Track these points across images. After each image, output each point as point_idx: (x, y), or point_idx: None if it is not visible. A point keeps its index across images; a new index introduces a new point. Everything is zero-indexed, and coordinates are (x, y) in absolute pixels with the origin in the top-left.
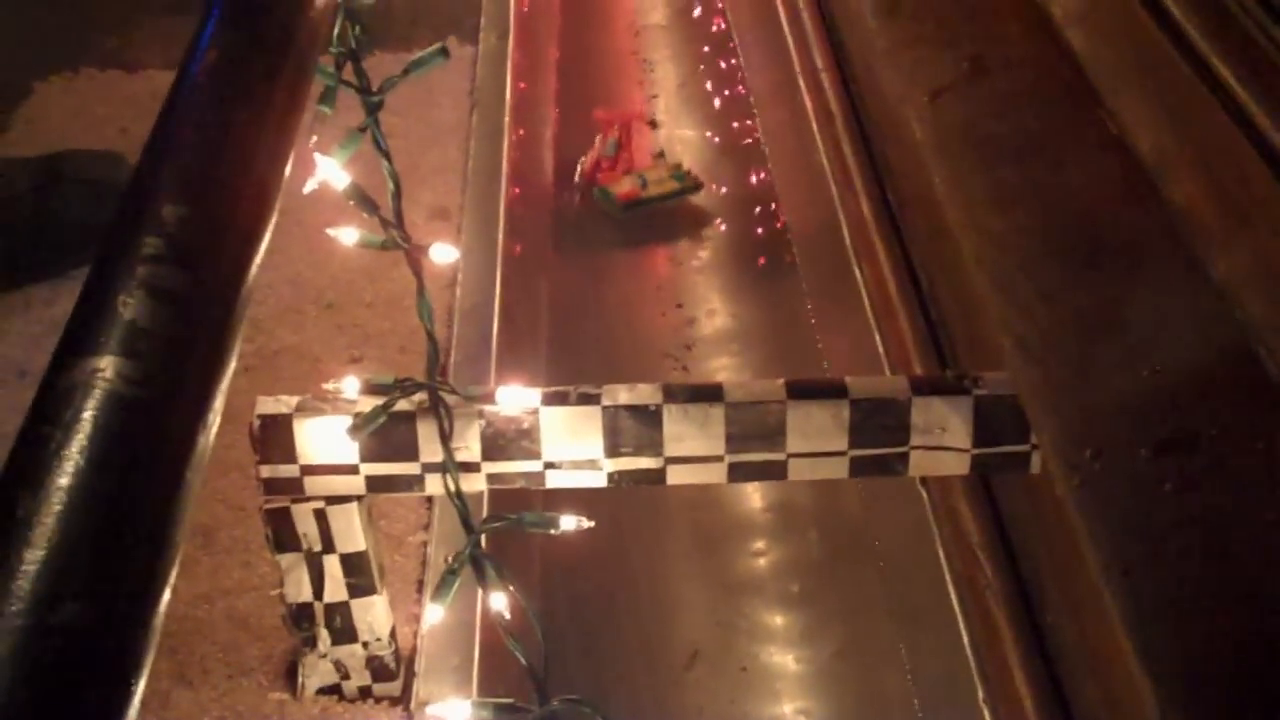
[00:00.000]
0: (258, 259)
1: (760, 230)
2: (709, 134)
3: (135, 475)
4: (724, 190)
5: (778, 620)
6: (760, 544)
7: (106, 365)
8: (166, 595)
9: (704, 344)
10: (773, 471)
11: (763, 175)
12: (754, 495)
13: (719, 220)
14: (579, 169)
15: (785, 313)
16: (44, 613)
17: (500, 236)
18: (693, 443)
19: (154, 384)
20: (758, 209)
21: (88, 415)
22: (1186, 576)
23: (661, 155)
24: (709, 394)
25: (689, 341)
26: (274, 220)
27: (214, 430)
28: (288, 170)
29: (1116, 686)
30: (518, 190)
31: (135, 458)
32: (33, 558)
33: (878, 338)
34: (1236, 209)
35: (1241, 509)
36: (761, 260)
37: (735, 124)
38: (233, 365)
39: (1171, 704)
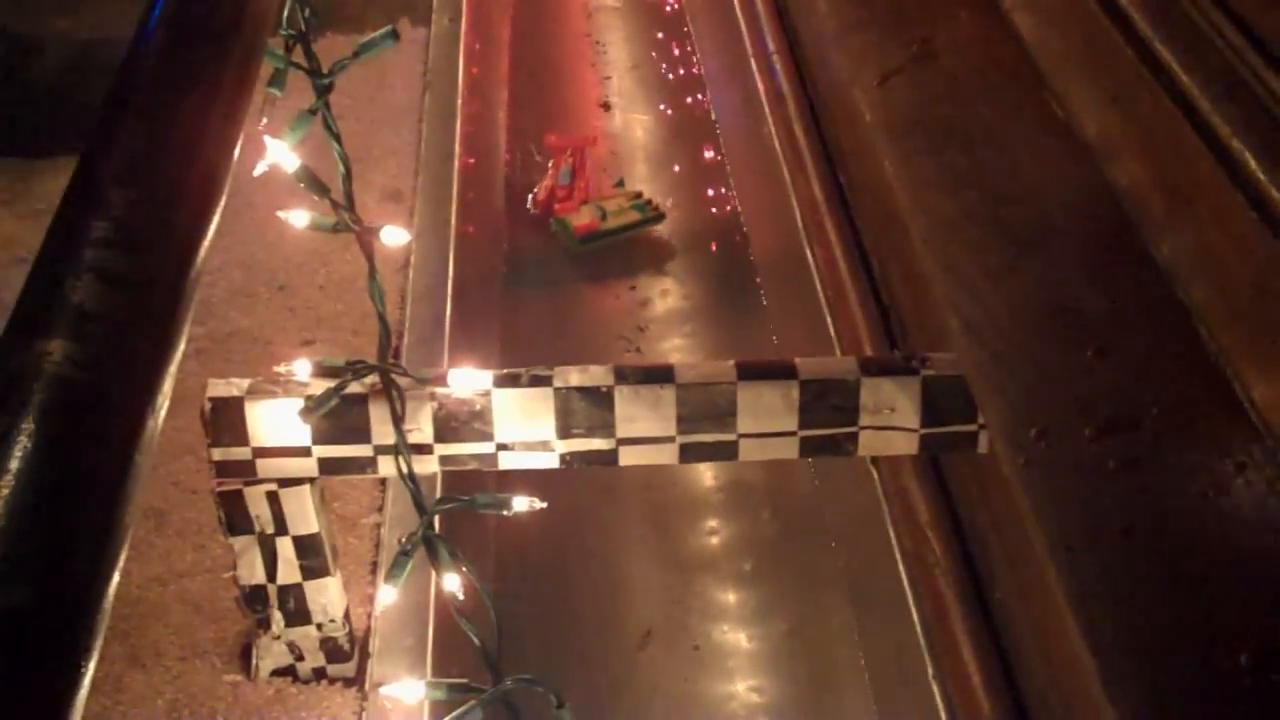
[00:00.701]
0: (206, 242)
1: (713, 211)
2: (661, 114)
3: (83, 458)
4: (677, 169)
5: (730, 599)
6: (713, 523)
7: (55, 349)
8: (115, 578)
9: (657, 325)
10: (724, 452)
11: (716, 156)
12: (707, 475)
13: (669, 200)
14: (532, 198)
15: (737, 294)
16: None
17: (453, 219)
18: (644, 424)
19: (102, 367)
20: (710, 191)
21: (35, 399)
22: (1128, 553)
23: (621, 184)
24: (660, 375)
25: (642, 323)
26: (223, 203)
27: (163, 413)
28: (236, 153)
29: (1061, 662)
30: (470, 160)
31: (83, 441)
32: None
33: (829, 319)
34: (1180, 192)
35: (1181, 487)
36: (714, 245)
37: (688, 103)
38: (181, 348)
39: (1113, 677)
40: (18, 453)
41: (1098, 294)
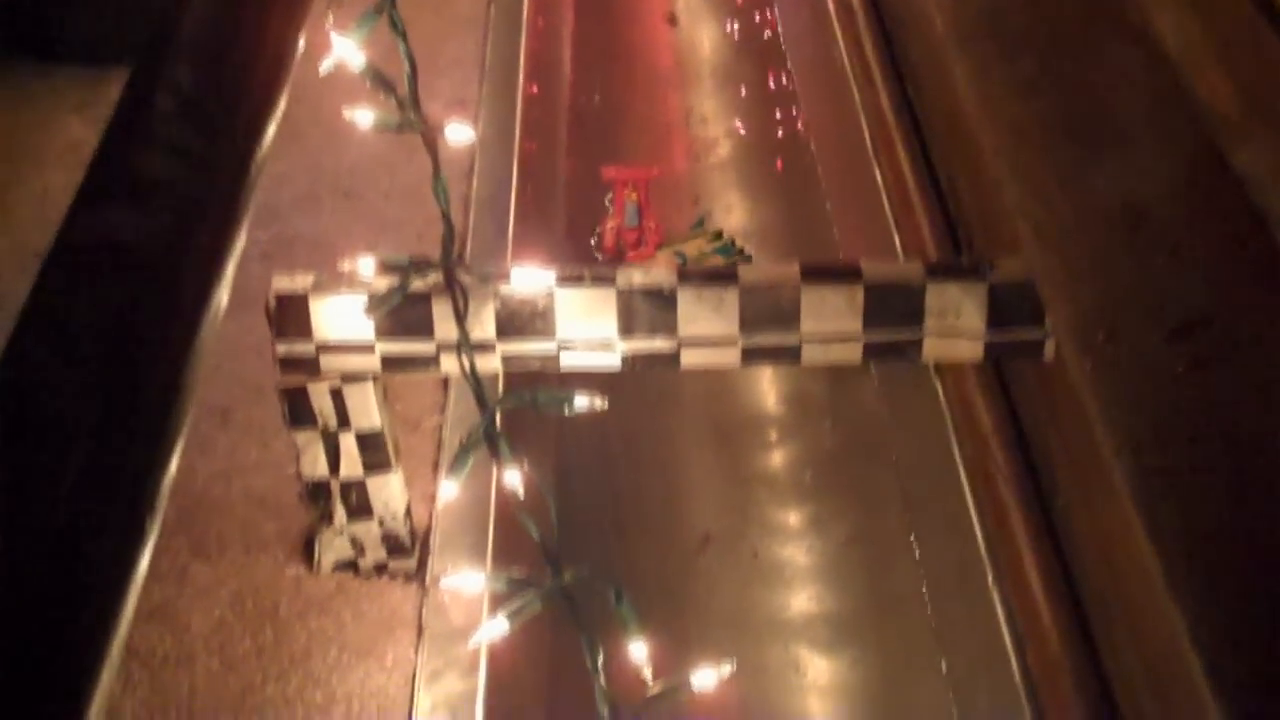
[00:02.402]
0: (273, 123)
1: (780, 131)
2: (729, 31)
3: (149, 326)
4: (743, 91)
5: (790, 508)
6: (774, 434)
7: (119, 220)
8: (181, 441)
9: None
10: (786, 355)
11: (783, 77)
12: (769, 386)
13: (737, 121)
14: (598, 240)
15: (803, 213)
16: (60, 454)
17: (517, 129)
18: (707, 325)
19: (168, 237)
20: (778, 111)
21: (100, 269)
22: (1196, 456)
23: (701, 224)
24: (723, 277)
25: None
26: (288, 85)
27: (227, 287)
28: (301, 40)
29: (1124, 567)
30: (535, 72)
31: (149, 308)
32: (49, 404)
33: (895, 234)
34: (1260, 98)
35: (1252, 390)
36: (780, 163)
37: (756, 20)
38: (246, 225)
39: (1177, 580)
40: (83, 319)
41: (1171, 199)
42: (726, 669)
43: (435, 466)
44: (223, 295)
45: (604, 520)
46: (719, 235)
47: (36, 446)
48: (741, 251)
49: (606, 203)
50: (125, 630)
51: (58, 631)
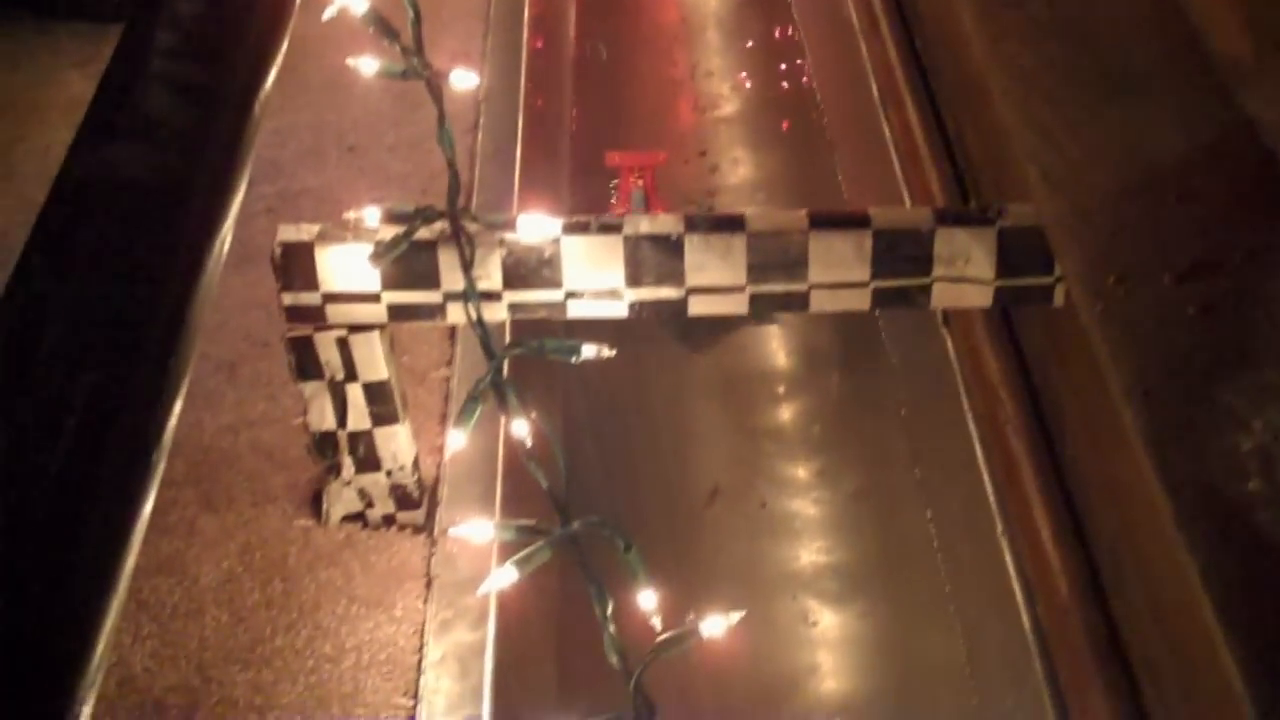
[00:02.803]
0: (277, 61)
1: (785, 83)
2: None
3: (151, 259)
4: (749, 44)
5: (798, 461)
6: (782, 387)
7: (124, 153)
8: (187, 375)
9: (727, 192)
10: (794, 303)
11: (789, 29)
12: (777, 339)
13: (743, 74)
14: None
15: (810, 162)
16: (64, 383)
17: (522, 82)
18: (714, 273)
19: (171, 172)
20: (783, 64)
21: (104, 201)
22: (1206, 397)
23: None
24: (731, 224)
25: (712, 189)
26: (291, 21)
27: (231, 224)
28: None
29: (1134, 512)
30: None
31: (151, 243)
32: (53, 332)
33: (903, 185)
34: (1271, 39)
35: (1261, 332)
36: (786, 116)
37: None
38: (250, 164)
39: (1187, 518)
40: (86, 254)
41: (1180, 141)
42: (735, 617)
43: (443, 419)
44: (227, 231)
45: (612, 472)
46: None
47: (42, 377)
48: None
49: (611, 189)
50: (132, 563)
51: (64, 565)
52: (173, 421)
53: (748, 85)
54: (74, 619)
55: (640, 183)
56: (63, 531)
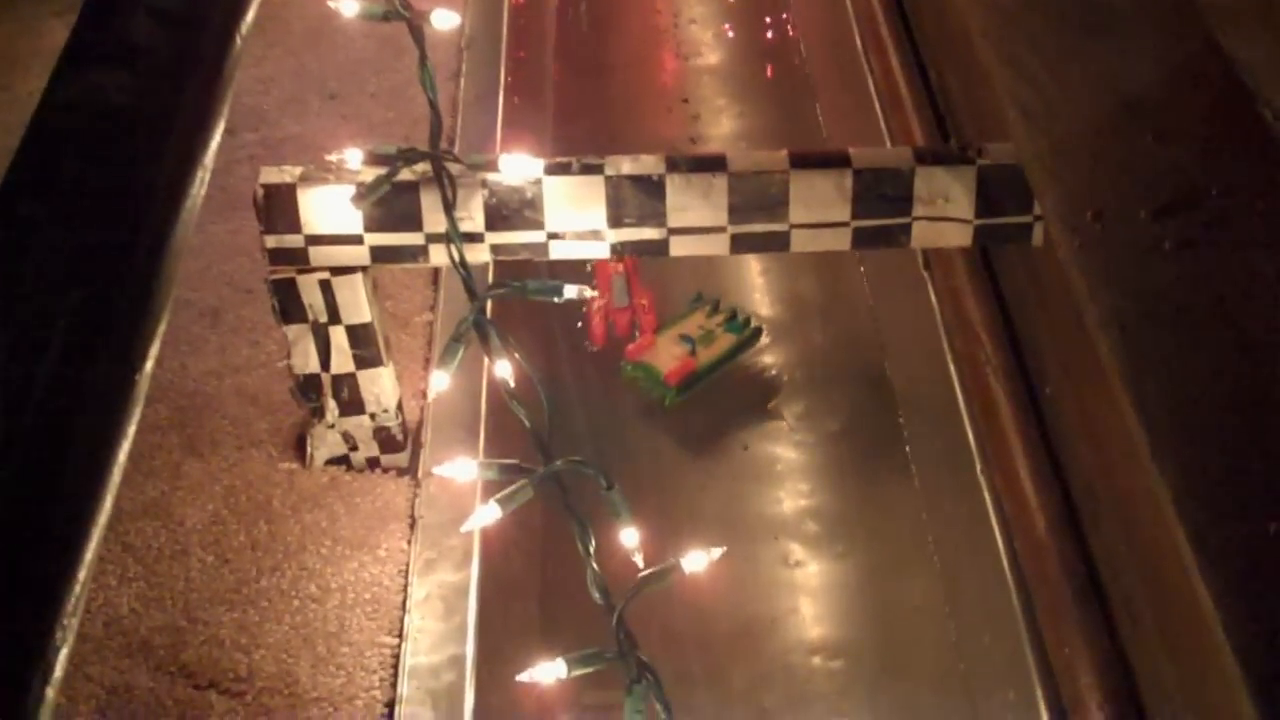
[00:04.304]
0: None
1: (769, 34)
2: None
3: (134, 181)
4: None
5: (780, 404)
6: (766, 332)
7: (106, 79)
8: (170, 297)
9: (709, 140)
10: (775, 243)
11: None
12: (759, 283)
13: (726, 24)
14: (583, 324)
15: (793, 113)
16: (49, 299)
17: (504, 29)
18: (696, 213)
19: (153, 98)
20: (767, 16)
21: (86, 126)
22: (1182, 330)
23: (699, 298)
24: (712, 164)
25: (694, 136)
26: None
27: (213, 150)
28: None
29: (1110, 447)
30: None
31: (133, 166)
32: (38, 250)
33: (885, 132)
34: None
35: (1241, 266)
36: (770, 65)
37: None
38: (230, 93)
39: (1162, 448)
40: (71, 174)
41: (1159, 80)
42: (717, 553)
43: (427, 363)
44: (209, 158)
45: (595, 415)
46: (732, 314)
47: (28, 295)
48: (748, 322)
49: (588, 272)
50: (117, 478)
51: (50, 479)
52: (157, 342)
53: (730, 34)
54: (59, 534)
55: (621, 268)
56: (49, 445)
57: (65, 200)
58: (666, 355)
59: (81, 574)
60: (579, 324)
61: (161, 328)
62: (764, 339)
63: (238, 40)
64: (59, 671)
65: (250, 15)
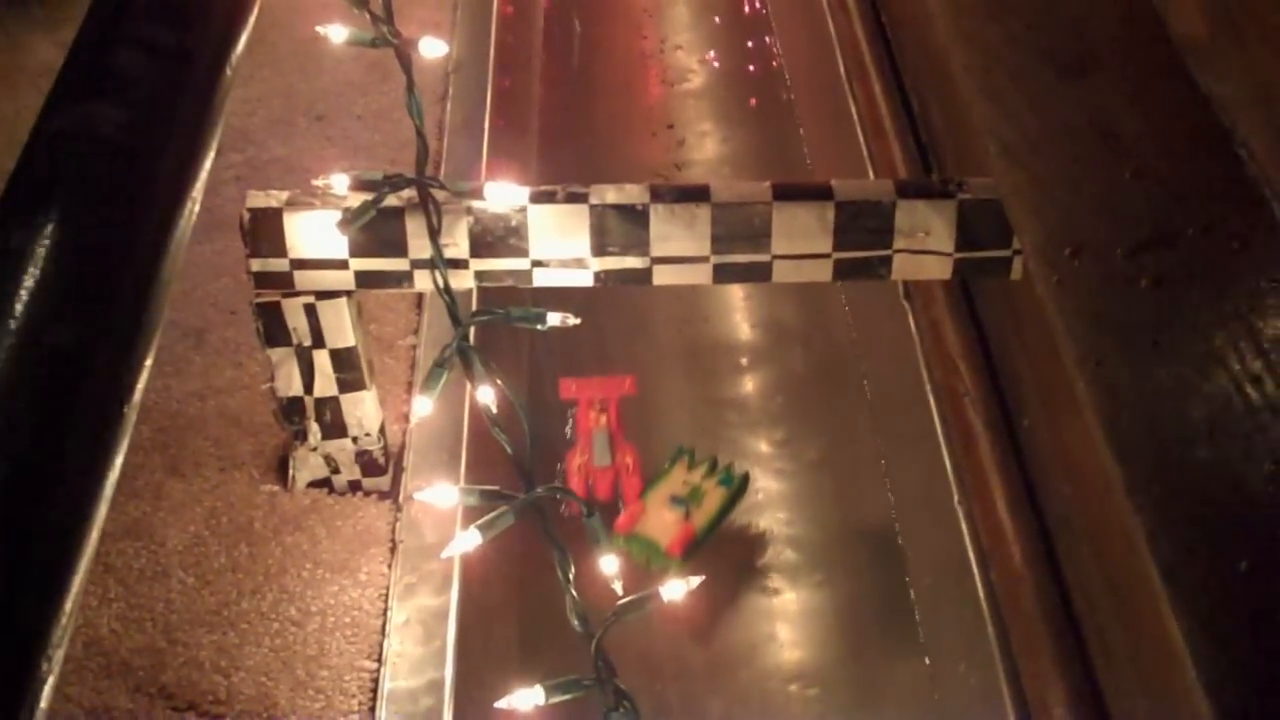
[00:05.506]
0: (249, 23)
1: (753, 61)
2: None
3: (124, 215)
4: (717, 20)
5: (760, 430)
6: (745, 359)
7: (97, 112)
8: (158, 330)
9: (694, 166)
10: (758, 273)
11: (758, 4)
12: (741, 311)
13: (711, 51)
14: (563, 475)
15: (777, 138)
16: (38, 334)
17: (491, 54)
18: (679, 243)
19: (145, 132)
20: (750, 41)
21: (78, 158)
22: (1157, 366)
23: (681, 452)
24: (696, 194)
25: (679, 162)
26: None
27: (203, 182)
28: None
29: (1086, 480)
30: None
31: (124, 199)
32: (27, 284)
33: (868, 160)
34: (1229, 17)
35: (1214, 304)
36: (754, 92)
37: None
38: (220, 125)
39: (1138, 485)
40: (60, 207)
41: (1138, 117)
42: (695, 581)
43: (410, 388)
44: (198, 190)
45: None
46: (720, 466)
47: (16, 328)
48: (731, 470)
49: (568, 433)
50: (103, 512)
51: (35, 516)
52: (145, 375)
53: (715, 62)
54: (45, 569)
55: (603, 420)
56: (35, 481)
57: (55, 231)
58: (661, 524)
59: (68, 607)
60: (555, 480)
61: (149, 361)
62: (744, 360)
63: (228, 72)
64: (44, 704)
65: (240, 48)
